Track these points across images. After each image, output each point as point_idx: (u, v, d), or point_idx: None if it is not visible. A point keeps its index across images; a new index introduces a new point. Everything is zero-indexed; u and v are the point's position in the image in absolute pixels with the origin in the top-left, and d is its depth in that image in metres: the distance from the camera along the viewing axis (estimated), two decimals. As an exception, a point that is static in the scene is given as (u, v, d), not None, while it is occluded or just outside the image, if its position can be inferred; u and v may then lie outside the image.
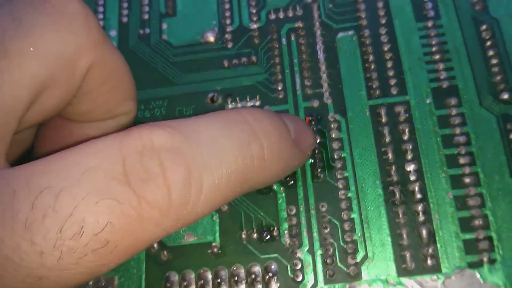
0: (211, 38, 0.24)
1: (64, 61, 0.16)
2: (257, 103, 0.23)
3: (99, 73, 0.17)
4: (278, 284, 0.20)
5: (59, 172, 0.13)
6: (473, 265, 0.19)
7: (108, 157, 0.14)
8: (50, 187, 0.13)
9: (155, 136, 0.14)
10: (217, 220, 0.21)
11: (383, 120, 0.22)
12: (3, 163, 0.14)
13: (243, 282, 0.20)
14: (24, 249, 0.12)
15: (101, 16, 0.26)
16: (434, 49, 0.22)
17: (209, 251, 0.21)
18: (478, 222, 0.19)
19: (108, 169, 0.13)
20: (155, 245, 0.21)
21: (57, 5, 0.16)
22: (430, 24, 0.23)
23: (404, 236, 0.20)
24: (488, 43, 0.22)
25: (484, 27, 0.23)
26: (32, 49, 0.15)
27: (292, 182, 0.21)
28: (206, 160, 0.15)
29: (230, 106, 0.23)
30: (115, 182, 0.13)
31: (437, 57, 0.22)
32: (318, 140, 0.22)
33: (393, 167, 0.21)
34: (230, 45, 0.24)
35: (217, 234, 0.21)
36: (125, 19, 0.26)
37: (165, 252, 0.21)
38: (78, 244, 0.13)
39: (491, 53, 0.22)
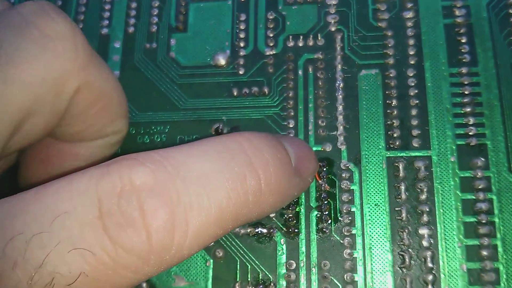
0: (222, 61, 0.22)
1: (49, 86, 0.15)
2: (265, 140, 0.21)
3: (86, 95, 0.17)
4: None
5: (32, 217, 0.12)
6: None
7: (83, 200, 0.13)
8: (22, 233, 0.12)
9: (135, 174, 0.13)
10: (211, 266, 0.20)
11: (401, 175, 0.20)
12: None
13: None
14: None
15: (106, 22, 0.24)
16: (465, 100, 0.20)
17: (200, 300, 0.20)
18: (490, 302, 0.18)
19: (83, 213, 0.13)
20: (144, 285, 0.20)
21: (43, 28, 0.15)
22: (464, 70, 0.21)
23: (409, 310, 0.18)
24: (527, 99, 0.20)
25: (524, 80, 0.20)
26: (14, 77, 0.14)
27: (294, 232, 0.20)
28: (193, 198, 0.13)
29: (235, 140, 0.21)
30: (89, 228, 0.12)
31: (467, 109, 0.20)
32: (327, 189, 0.20)
33: (406, 230, 0.19)
34: (242, 71, 0.22)
35: (210, 281, 0.20)
36: (131, 29, 0.24)
37: (153, 296, 0.20)
38: None
39: (528, 111, 0.20)
